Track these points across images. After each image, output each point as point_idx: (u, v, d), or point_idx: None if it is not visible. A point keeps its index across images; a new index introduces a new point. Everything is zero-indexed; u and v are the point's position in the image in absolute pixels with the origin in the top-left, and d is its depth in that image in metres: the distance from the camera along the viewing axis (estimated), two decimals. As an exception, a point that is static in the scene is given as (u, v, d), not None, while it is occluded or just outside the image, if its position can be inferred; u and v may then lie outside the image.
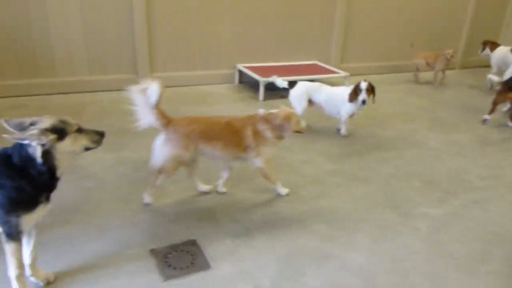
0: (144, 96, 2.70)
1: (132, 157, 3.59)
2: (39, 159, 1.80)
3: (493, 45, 6.47)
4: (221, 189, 3.13)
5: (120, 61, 5.28)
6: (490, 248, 2.66)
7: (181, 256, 2.41)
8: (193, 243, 2.53)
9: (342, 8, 6.34)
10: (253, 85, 5.70)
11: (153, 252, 2.43)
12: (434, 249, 2.62)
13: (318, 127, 4.55)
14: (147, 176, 3.29)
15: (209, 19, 5.59)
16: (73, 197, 2.94)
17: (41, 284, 2.12)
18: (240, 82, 5.98)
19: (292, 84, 4.29)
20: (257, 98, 5.35)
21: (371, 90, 4.06)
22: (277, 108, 2.98)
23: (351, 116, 4.26)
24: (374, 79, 4.34)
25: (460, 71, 7.73)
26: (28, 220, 1.89)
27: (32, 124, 1.81)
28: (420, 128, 4.70)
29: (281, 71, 5.72)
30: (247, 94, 5.57)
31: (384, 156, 3.93)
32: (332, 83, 4.70)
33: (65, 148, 1.87)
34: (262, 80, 5.25)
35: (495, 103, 4.85)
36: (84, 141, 1.95)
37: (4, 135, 1.73)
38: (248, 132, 2.84)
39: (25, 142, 1.77)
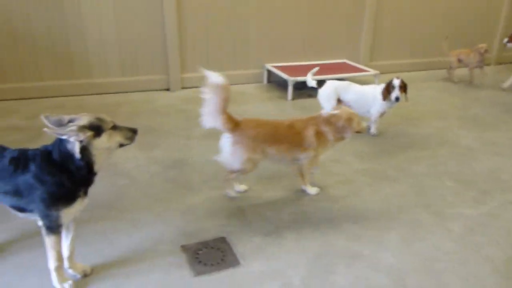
0: (215, 98, 2.70)
1: (163, 157, 3.67)
2: (77, 154, 1.88)
3: None
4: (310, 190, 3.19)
5: (151, 62, 5.40)
6: (528, 250, 2.57)
7: (211, 252, 2.45)
8: (223, 240, 2.57)
9: (372, 4, 6.25)
10: (282, 85, 5.71)
11: (184, 248, 2.48)
12: (469, 251, 2.56)
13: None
14: (178, 175, 3.36)
15: (238, 19, 5.64)
16: (108, 194, 3.04)
17: (78, 276, 2.20)
18: (269, 81, 6.00)
19: (321, 83, 4.27)
20: (285, 98, 5.36)
21: (403, 87, 4.00)
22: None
23: (382, 114, 4.21)
24: (405, 76, 4.25)
25: (495, 67, 7.47)
26: (67, 214, 1.97)
27: (70, 121, 1.89)
28: (453, 127, 4.58)
29: (309, 70, 5.69)
30: (276, 93, 5.58)
31: (416, 155, 3.85)
32: (361, 82, 4.64)
33: (101, 145, 1.94)
34: (290, 79, 5.25)
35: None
36: (118, 137, 2.02)
37: (45, 129, 1.82)
38: (310, 132, 2.89)
39: (64, 137, 1.85)
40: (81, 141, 1.86)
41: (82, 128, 1.85)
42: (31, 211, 1.99)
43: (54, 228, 1.97)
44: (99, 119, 1.94)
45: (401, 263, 2.43)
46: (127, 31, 5.17)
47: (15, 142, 3.69)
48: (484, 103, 5.46)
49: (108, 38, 5.12)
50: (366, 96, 4.15)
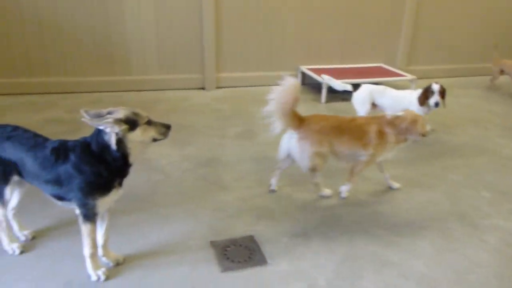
0: (285, 97, 2.77)
1: (196, 154, 3.74)
2: (113, 146, 1.96)
3: None
4: (393, 184, 3.25)
5: (188, 61, 5.52)
6: None
7: (239, 250, 2.48)
8: (251, 239, 2.59)
9: (411, 8, 6.13)
10: (315, 87, 5.69)
11: (213, 244, 2.52)
12: (504, 264, 2.47)
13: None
14: (210, 173, 3.42)
15: (273, 21, 5.67)
16: (142, 188, 3.13)
17: (111, 264, 2.29)
18: (303, 83, 5.99)
19: (356, 87, 4.22)
20: (319, 100, 5.33)
21: (442, 93, 3.90)
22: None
23: (417, 120, 4.11)
24: (443, 82, 4.14)
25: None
26: (103, 203, 2.06)
27: (109, 113, 1.97)
28: (492, 136, 4.43)
29: (345, 73, 5.66)
30: (309, 96, 5.57)
31: (451, 163, 3.75)
32: (397, 87, 4.56)
33: (135, 138, 2.01)
34: (324, 82, 5.22)
35: None
36: (152, 132, 2.08)
37: (83, 119, 1.90)
38: (372, 129, 2.90)
39: (101, 128, 1.93)
40: (116, 133, 1.94)
41: (118, 121, 1.93)
42: (69, 199, 2.08)
43: (90, 216, 2.06)
44: (135, 114, 2.01)
45: (432, 272, 2.37)
46: (166, 31, 5.30)
47: (57, 133, 3.86)
48: (527, 112, 5.24)
49: (148, 37, 5.27)
50: (401, 101, 4.07)
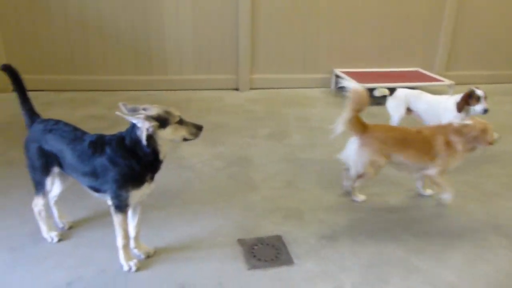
0: (351, 103, 2.83)
1: (227, 153, 3.81)
2: (144, 141, 2.04)
3: None
4: (424, 191, 3.21)
5: (223, 62, 5.61)
6: None
7: (266, 249, 2.52)
8: (278, 238, 2.62)
9: (451, 11, 5.97)
10: (350, 90, 5.64)
11: (240, 241, 2.57)
12: (540, 278, 2.38)
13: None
14: (241, 172, 3.47)
15: (309, 24, 5.67)
16: (174, 185, 3.22)
17: (142, 256, 2.38)
18: (336, 87, 5.96)
19: (391, 91, 4.16)
20: (352, 104, 5.28)
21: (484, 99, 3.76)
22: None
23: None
24: (484, 88, 4.01)
25: None
26: (135, 195, 2.14)
27: (144, 109, 2.05)
28: (535, 145, 4.25)
29: (380, 77, 5.58)
30: (343, 99, 5.51)
31: (489, 172, 3.63)
32: (434, 92, 4.45)
33: (165, 136, 2.08)
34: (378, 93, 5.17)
35: None
36: (183, 132, 2.13)
37: (117, 112, 1.99)
38: (439, 141, 2.88)
39: (134, 122, 2.02)
40: (147, 129, 2.02)
41: (149, 118, 2.00)
42: (104, 191, 2.18)
43: (122, 207, 2.15)
44: (167, 112, 2.07)
45: (462, 282, 2.32)
46: (202, 32, 5.42)
47: (96, 129, 3.99)
48: None
49: (185, 38, 5.41)
50: (437, 107, 3.96)
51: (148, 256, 2.39)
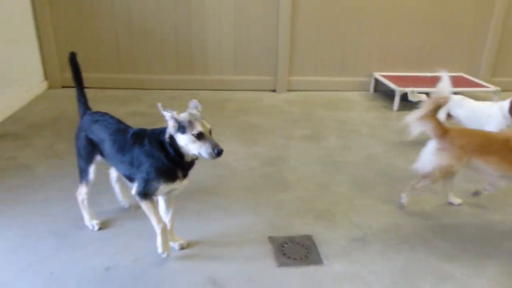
0: (432, 105, 2.77)
1: (262, 153, 3.86)
2: (167, 138, 2.14)
3: None
4: (455, 200, 3.12)
5: (262, 63, 5.68)
6: None
7: (296, 248, 2.54)
8: (309, 238, 2.64)
9: (500, 12, 5.73)
10: (388, 95, 5.56)
11: (271, 239, 2.61)
12: None
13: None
14: (274, 172, 3.51)
15: (348, 26, 5.63)
16: (208, 181, 3.31)
17: (176, 248, 2.47)
18: (375, 90, 5.88)
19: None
20: (390, 108, 5.20)
21: None
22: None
23: (498, 134, 3.85)
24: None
25: None
26: (164, 188, 2.22)
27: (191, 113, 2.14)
28: None
29: (421, 82, 5.46)
30: (381, 103, 5.45)
31: (533, 183, 3.47)
32: (478, 98, 4.31)
33: (180, 141, 2.12)
34: (398, 89, 5.09)
35: None
36: (197, 146, 2.07)
37: (158, 103, 2.09)
38: None
39: (165, 117, 2.10)
40: (170, 129, 2.11)
41: (173, 119, 2.08)
42: (136, 180, 2.27)
43: (147, 195, 2.21)
44: (190, 122, 2.08)
45: (497, 293, 2.25)
46: (243, 34, 5.51)
47: (138, 125, 4.12)
48: None
49: (226, 39, 5.52)
50: (480, 113, 3.83)
51: (182, 248, 2.48)
